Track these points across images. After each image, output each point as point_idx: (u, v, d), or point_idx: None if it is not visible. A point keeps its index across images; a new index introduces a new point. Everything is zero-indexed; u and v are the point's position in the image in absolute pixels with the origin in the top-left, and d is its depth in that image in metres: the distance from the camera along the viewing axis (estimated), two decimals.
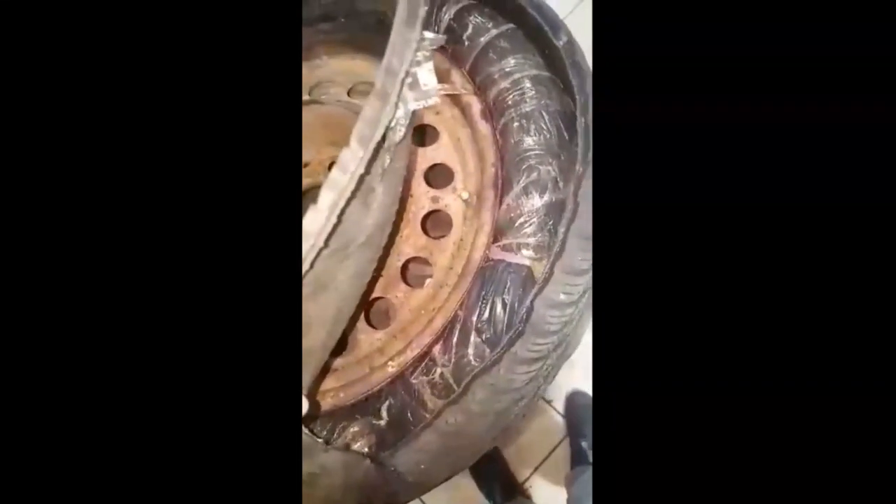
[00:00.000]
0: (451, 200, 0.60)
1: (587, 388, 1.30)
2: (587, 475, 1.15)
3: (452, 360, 0.48)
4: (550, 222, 0.49)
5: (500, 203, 0.53)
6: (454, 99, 0.61)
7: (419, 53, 0.32)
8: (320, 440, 0.46)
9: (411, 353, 0.52)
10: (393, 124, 0.32)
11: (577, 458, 1.22)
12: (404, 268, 0.60)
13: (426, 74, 0.32)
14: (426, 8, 0.34)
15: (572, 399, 1.29)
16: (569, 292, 0.45)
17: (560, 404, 1.31)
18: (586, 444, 1.21)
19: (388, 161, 0.35)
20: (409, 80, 0.31)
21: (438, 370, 0.49)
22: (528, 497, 1.27)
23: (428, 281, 0.58)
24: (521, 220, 0.51)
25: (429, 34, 0.33)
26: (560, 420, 1.31)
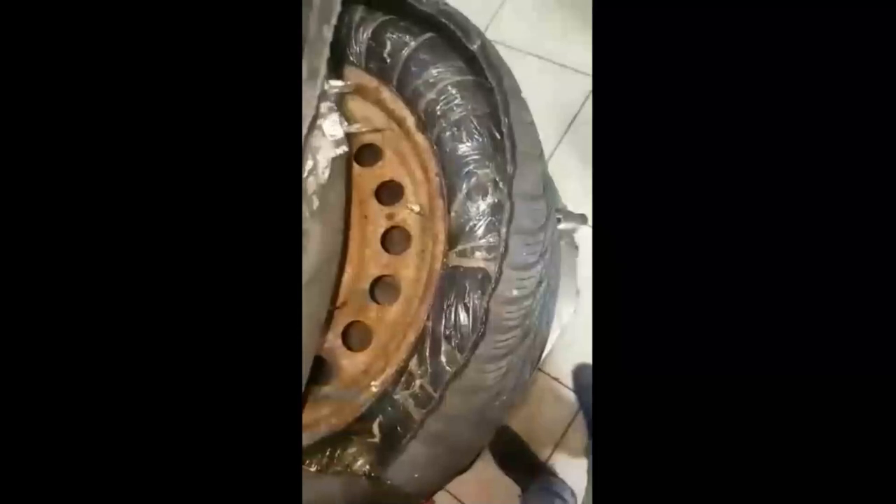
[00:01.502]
0: (406, 214, 0.62)
1: (589, 360, 1.32)
2: None
3: (429, 370, 0.50)
4: (496, 222, 0.50)
5: (449, 211, 0.55)
6: (390, 114, 0.62)
7: (323, 105, 0.33)
8: (312, 469, 0.48)
9: (390, 371, 0.54)
10: (308, 174, 0.33)
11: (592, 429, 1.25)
12: (373, 288, 0.61)
13: (331, 126, 0.33)
14: (327, 57, 0.35)
15: (578, 373, 1.32)
16: (521, 287, 0.47)
17: (568, 380, 1.34)
18: None
19: (316, 204, 0.36)
20: (316, 132, 0.33)
21: (417, 382, 0.51)
22: (554, 474, 1.29)
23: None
24: (471, 224, 0.53)
25: (334, 83, 0.34)
26: (571, 395, 1.34)
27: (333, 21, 0.36)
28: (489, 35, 1.79)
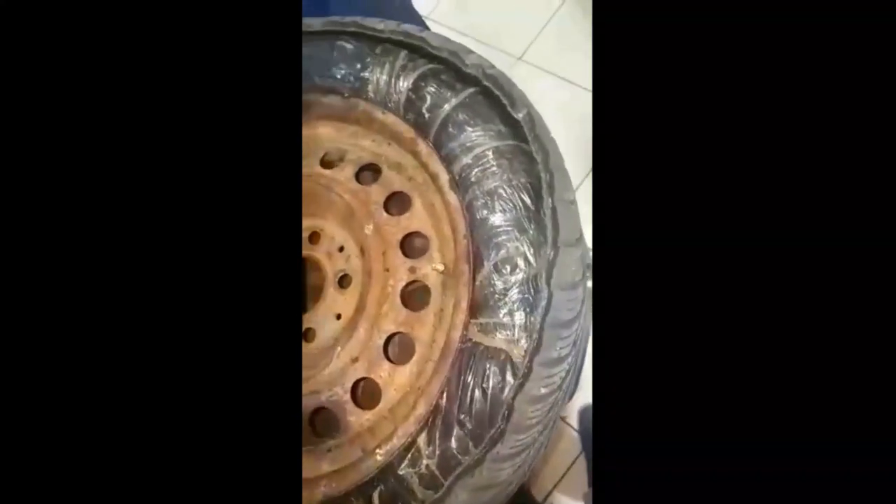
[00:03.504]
0: (429, 271, 0.59)
1: None
2: None
3: (437, 452, 0.48)
4: (524, 303, 0.47)
5: (474, 279, 0.52)
6: (424, 167, 0.60)
7: None
8: None
9: (398, 442, 0.51)
10: None
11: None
12: (387, 344, 0.59)
13: None
14: None
15: (585, 415, 1.28)
16: (549, 384, 0.44)
17: (574, 420, 1.30)
18: None
19: None
20: None
21: (424, 461, 0.48)
22: None
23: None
24: (496, 297, 0.50)
25: None
26: (576, 435, 1.30)
27: None
28: (527, 58, 1.73)
